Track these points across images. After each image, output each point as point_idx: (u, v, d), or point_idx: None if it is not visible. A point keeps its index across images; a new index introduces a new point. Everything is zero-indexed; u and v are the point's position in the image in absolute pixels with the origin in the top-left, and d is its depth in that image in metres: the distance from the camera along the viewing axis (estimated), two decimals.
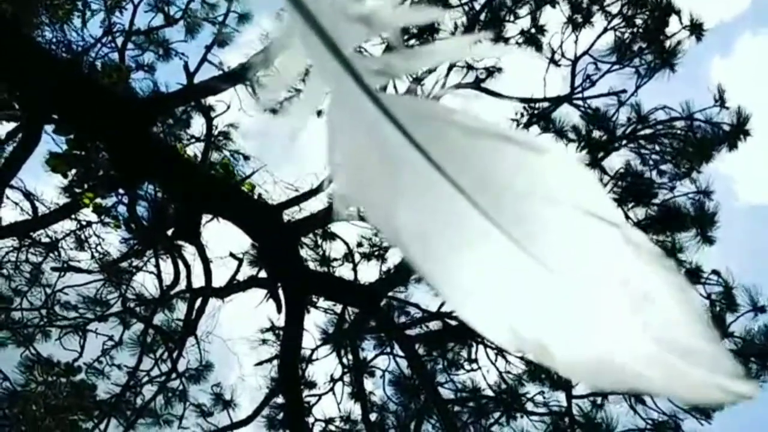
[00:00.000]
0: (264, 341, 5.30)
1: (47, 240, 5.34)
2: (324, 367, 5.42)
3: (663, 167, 4.66)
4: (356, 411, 5.19)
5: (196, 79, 4.55)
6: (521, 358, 4.65)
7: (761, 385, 4.48)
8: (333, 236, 5.22)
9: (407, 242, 0.49)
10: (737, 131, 4.44)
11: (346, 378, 5.25)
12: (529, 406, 5.00)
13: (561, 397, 4.88)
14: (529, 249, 0.48)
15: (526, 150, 0.49)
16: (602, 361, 0.47)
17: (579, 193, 0.49)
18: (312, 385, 5.30)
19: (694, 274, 4.72)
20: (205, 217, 4.71)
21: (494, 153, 0.49)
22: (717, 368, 0.45)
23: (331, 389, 5.25)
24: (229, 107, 5.11)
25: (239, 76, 4.50)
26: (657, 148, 4.62)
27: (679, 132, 4.56)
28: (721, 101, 4.44)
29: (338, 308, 5.13)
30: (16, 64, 3.43)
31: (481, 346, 5.04)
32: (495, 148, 0.49)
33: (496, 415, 4.99)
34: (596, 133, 4.61)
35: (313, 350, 5.21)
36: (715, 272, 4.75)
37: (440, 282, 0.50)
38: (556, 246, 0.48)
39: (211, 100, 4.97)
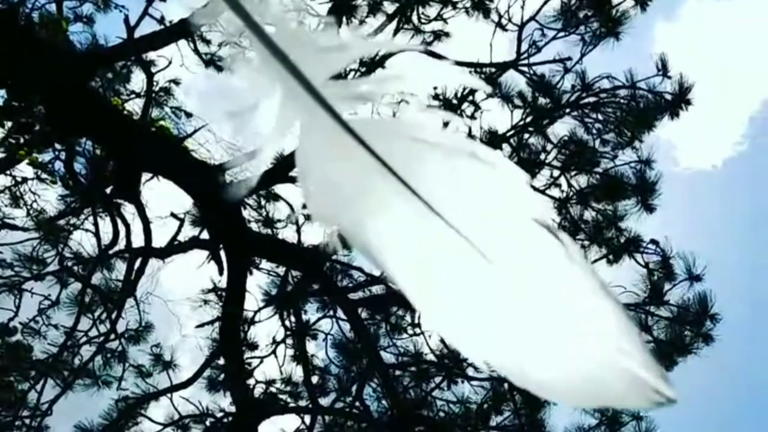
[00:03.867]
0: (206, 302, 5.25)
1: None
2: (266, 329, 5.40)
3: (606, 136, 4.70)
4: (298, 373, 5.20)
5: (137, 33, 4.41)
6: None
7: (695, 352, 4.60)
8: (276, 197, 5.18)
9: (382, 258, 0.53)
10: (679, 100, 4.49)
11: (289, 340, 5.24)
12: (470, 372, 5.05)
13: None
14: (495, 263, 0.52)
15: (483, 164, 0.53)
16: (576, 380, 0.51)
17: (529, 207, 0.53)
18: (254, 347, 5.29)
19: (633, 243, 4.80)
20: (145, 176, 4.63)
21: (456, 167, 0.53)
22: (650, 370, 0.50)
23: (273, 351, 5.24)
24: (170, 62, 5.02)
25: (181, 30, 4.40)
26: (600, 116, 4.66)
27: (622, 101, 4.60)
28: (663, 71, 4.48)
29: (281, 270, 5.10)
30: None
31: None
32: (457, 162, 0.53)
33: (438, 379, 5.04)
34: (541, 100, 4.62)
35: (255, 312, 5.19)
36: (653, 241, 4.83)
37: (411, 293, 0.54)
38: (515, 257, 0.52)
39: (152, 54, 4.85)
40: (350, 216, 0.53)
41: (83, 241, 5.12)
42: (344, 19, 4.62)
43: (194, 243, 4.89)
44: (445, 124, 0.56)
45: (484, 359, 0.53)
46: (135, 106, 5.09)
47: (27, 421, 4.95)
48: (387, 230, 0.52)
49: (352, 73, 3.52)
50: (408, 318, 5.22)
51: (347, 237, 0.53)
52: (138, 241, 4.83)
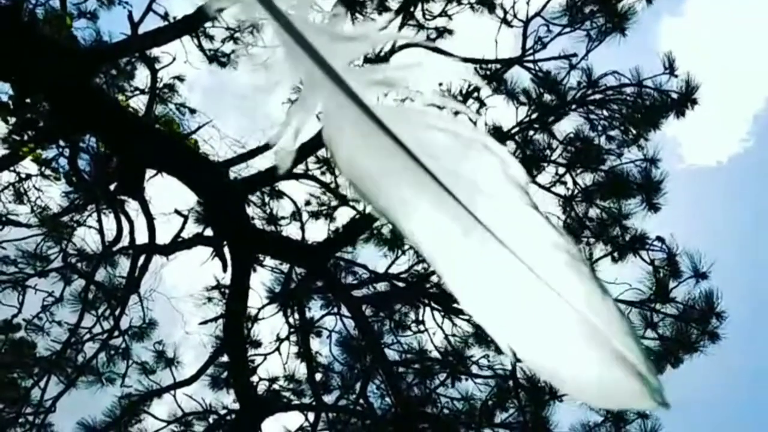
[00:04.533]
0: (209, 299, 5.24)
1: None
2: (270, 326, 5.39)
3: (611, 133, 4.68)
4: (301, 370, 5.19)
5: (141, 29, 4.40)
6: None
7: (701, 350, 4.58)
8: (281, 194, 5.17)
9: (417, 243, 0.54)
10: (685, 100, 4.46)
11: (292, 338, 5.23)
12: (474, 369, 5.04)
13: (506, 360, 4.93)
14: (519, 255, 0.52)
15: (498, 158, 0.54)
16: (576, 378, 0.51)
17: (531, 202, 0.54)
18: (257, 344, 5.28)
19: (638, 241, 4.77)
20: (149, 172, 4.61)
21: (478, 162, 0.54)
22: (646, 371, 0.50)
23: (277, 349, 5.23)
24: (174, 59, 5.01)
25: (185, 26, 4.38)
26: (606, 113, 4.63)
27: (628, 98, 4.57)
28: (670, 69, 4.46)
29: (285, 267, 5.09)
30: None
31: (428, 308, 5.06)
32: (478, 158, 0.54)
33: (442, 376, 5.02)
34: (547, 97, 4.60)
35: (259, 309, 5.18)
36: (659, 239, 4.81)
37: (445, 275, 0.54)
38: (530, 251, 0.53)
39: (155, 51, 4.83)
40: (382, 199, 0.54)
41: (87, 238, 5.14)
42: (348, 15, 4.61)
43: (198, 240, 4.88)
44: (456, 114, 0.56)
45: (509, 346, 0.53)
46: (139, 102, 5.10)
47: (30, 418, 4.95)
48: (417, 215, 0.53)
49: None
50: (412, 315, 5.21)
51: (384, 217, 0.54)
52: (142, 237, 4.83)
